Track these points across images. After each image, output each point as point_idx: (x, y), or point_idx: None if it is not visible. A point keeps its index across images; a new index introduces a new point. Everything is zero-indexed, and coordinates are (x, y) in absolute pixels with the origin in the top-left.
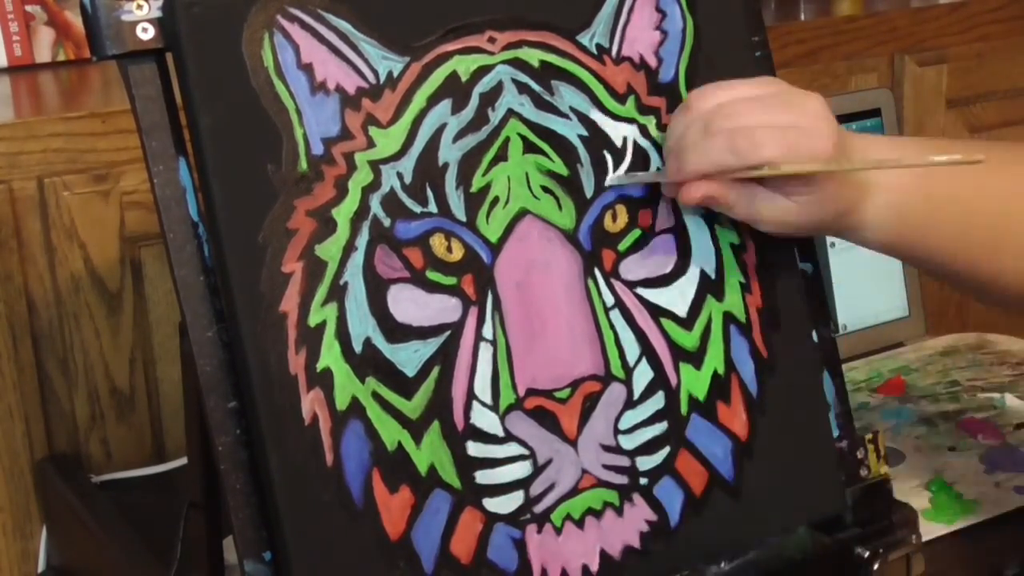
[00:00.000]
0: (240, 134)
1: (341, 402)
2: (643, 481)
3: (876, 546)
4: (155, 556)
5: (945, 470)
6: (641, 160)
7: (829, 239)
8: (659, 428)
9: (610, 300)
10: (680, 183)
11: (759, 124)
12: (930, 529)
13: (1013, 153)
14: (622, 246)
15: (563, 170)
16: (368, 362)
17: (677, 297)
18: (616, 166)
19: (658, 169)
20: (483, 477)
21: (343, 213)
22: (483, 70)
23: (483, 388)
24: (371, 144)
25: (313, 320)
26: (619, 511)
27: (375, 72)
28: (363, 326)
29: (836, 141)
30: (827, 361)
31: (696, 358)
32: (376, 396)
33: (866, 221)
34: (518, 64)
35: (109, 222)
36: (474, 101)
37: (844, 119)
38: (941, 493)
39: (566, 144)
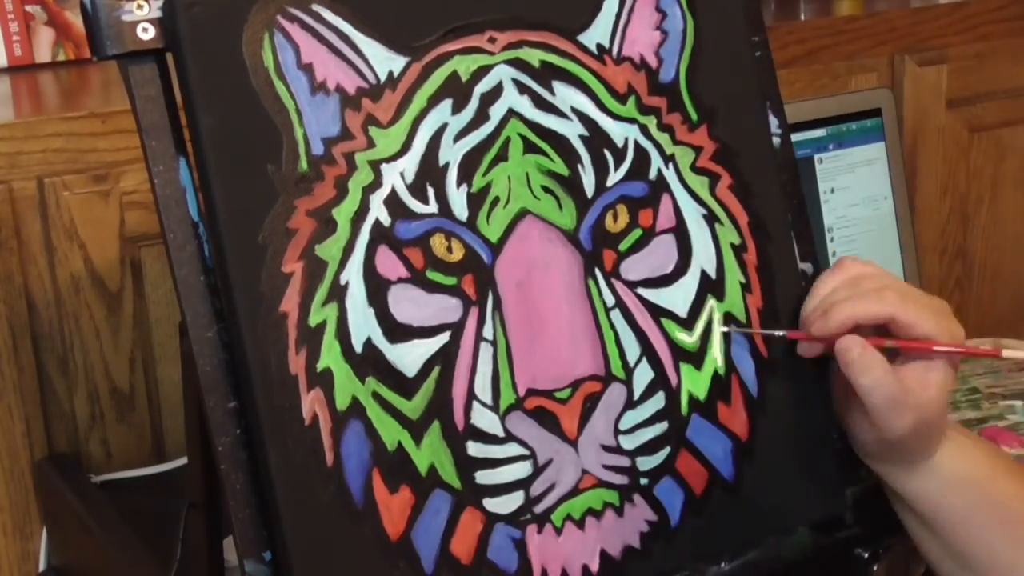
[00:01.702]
0: (240, 134)
1: (341, 402)
2: (643, 481)
3: (876, 546)
4: (155, 556)
5: None
6: (641, 160)
7: (829, 239)
8: (659, 428)
9: (610, 300)
10: (830, 334)
11: (911, 292)
12: None
13: None
14: (623, 246)
15: (564, 170)
16: (368, 362)
17: (677, 297)
18: (617, 166)
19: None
20: (483, 477)
21: (343, 213)
22: (483, 70)
23: (483, 388)
24: (371, 144)
25: (313, 320)
26: (619, 511)
27: (375, 72)
28: (363, 326)
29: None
30: (827, 361)
31: (696, 358)
32: (376, 396)
33: (934, 466)
34: (518, 64)
35: (109, 222)
36: (474, 101)
37: (844, 119)
38: None
39: (566, 144)
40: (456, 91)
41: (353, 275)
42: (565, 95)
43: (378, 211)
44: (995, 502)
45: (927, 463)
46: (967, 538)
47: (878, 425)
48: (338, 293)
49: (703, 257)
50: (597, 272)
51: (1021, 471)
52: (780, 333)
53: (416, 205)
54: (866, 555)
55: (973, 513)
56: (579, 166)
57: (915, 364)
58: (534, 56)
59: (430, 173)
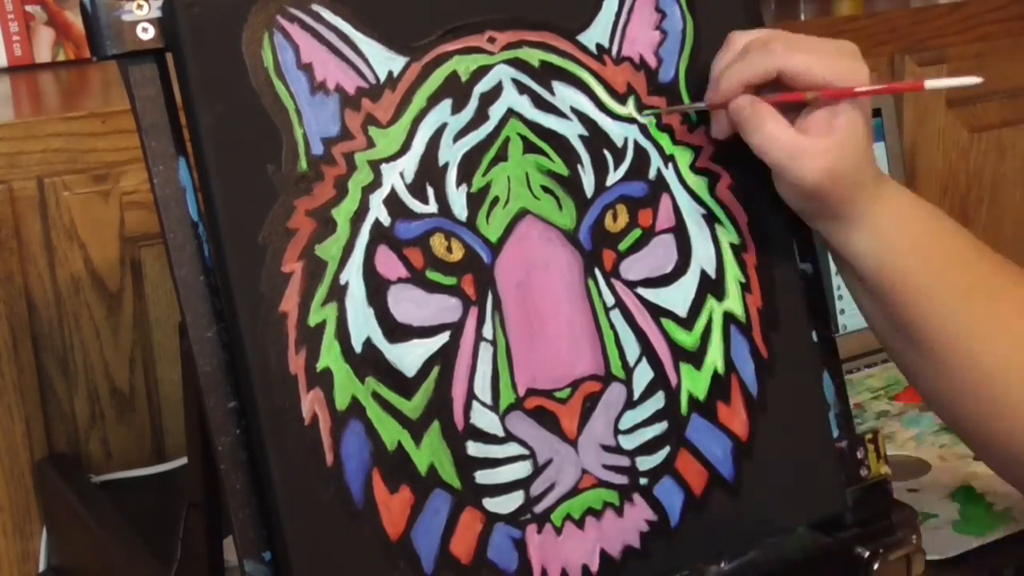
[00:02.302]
0: (240, 134)
1: (341, 402)
2: (643, 481)
3: (876, 546)
4: (155, 556)
5: (972, 480)
6: (641, 160)
7: None
8: (659, 428)
9: (610, 300)
10: (722, 104)
11: (800, 39)
12: (961, 542)
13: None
14: (622, 246)
15: (563, 170)
16: (368, 362)
17: (677, 297)
18: (616, 166)
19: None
20: (483, 477)
21: (343, 213)
22: (483, 70)
23: (483, 388)
24: (371, 144)
25: (313, 320)
26: (619, 511)
27: (375, 72)
28: (363, 326)
29: (868, 71)
30: (827, 361)
31: (696, 358)
32: (376, 396)
33: (875, 221)
34: (518, 64)
35: (109, 222)
36: (474, 101)
37: None
38: (970, 504)
39: (566, 144)
40: (456, 91)
41: (353, 275)
42: (565, 95)
43: (378, 211)
44: (937, 266)
45: (865, 221)
46: (912, 305)
47: (787, 179)
48: (338, 293)
49: (703, 257)
50: (597, 272)
51: (966, 235)
52: (688, 107)
53: (416, 205)
54: (866, 555)
55: (916, 277)
56: (579, 166)
57: (818, 112)
58: (534, 56)
59: (430, 173)
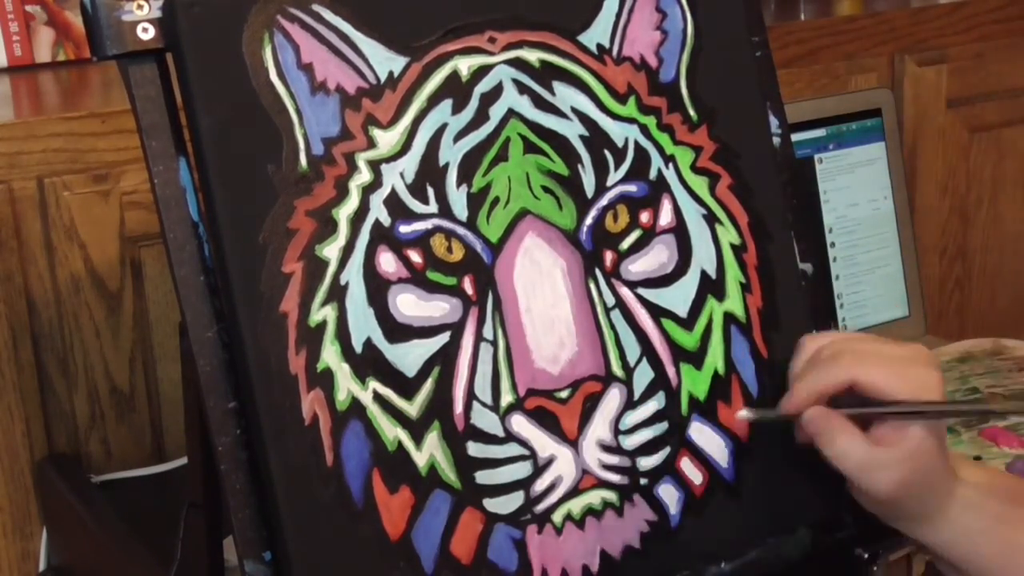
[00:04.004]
0: (240, 134)
1: (341, 402)
2: (643, 481)
3: (876, 546)
4: (155, 556)
5: None
6: (641, 160)
7: (829, 239)
8: (659, 428)
9: (611, 300)
10: (797, 415)
11: (869, 349)
12: None
13: None
14: (623, 246)
15: (564, 170)
16: (368, 362)
17: (678, 297)
18: (617, 166)
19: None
20: (483, 477)
21: (343, 213)
22: (483, 70)
23: (483, 388)
24: (371, 144)
25: (313, 320)
26: (619, 511)
27: (375, 72)
28: (363, 326)
29: (941, 379)
30: None
31: (696, 358)
32: (376, 396)
33: (946, 512)
34: (518, 64)
35: (109, 222)
36: (474, 101)
37: (844, 119)
38: None
39: (566, 144)
40: (456, 91)
41: (353, 275)
42: (565, 95)
43: (378, 211)
44: (1017, 545)
45: (938, 517)
46: None
47: (862, 489)
48: (338, 293)
49: (703, 257)
50: (597, 272)
51: None
52: (765, 417)
53: (416, 205)
54: (866, 555)
55: (1005, 560)
56: (579, 166)
57: (890, 422)
58: (534, 56)
59: (430, 173)
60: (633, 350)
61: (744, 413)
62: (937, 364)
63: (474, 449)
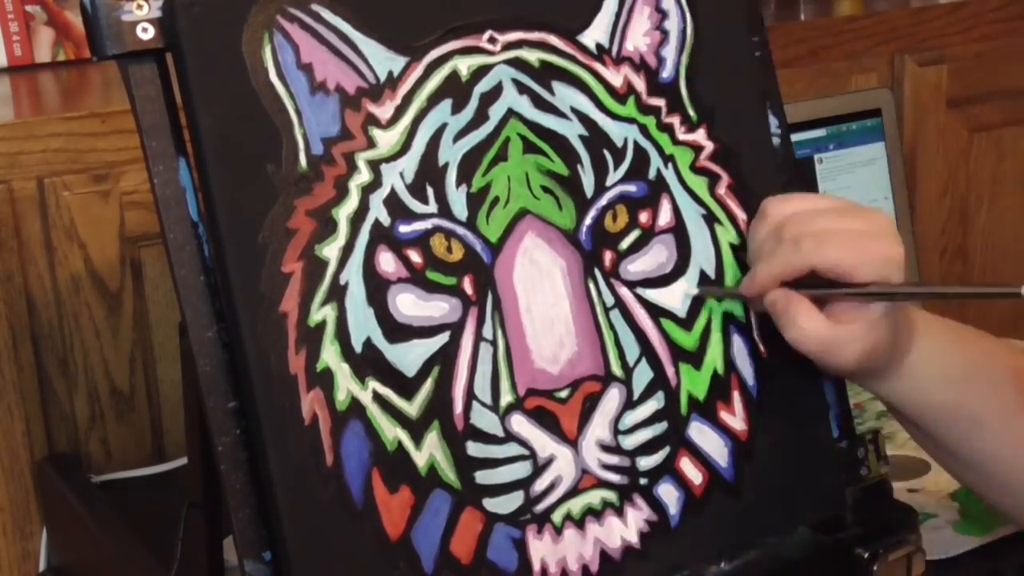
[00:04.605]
0: (240, 134)
1: (341, 402)
2: (643, 481)
3: (876, 546)
4: (155, 556)
5: None
6: (641, 160)
7: None
8: (659, 428)
9: (610, 300)
10: (758, 296)
11: (830, 228)
12: (961, 542)
13: None
14: (622, 246)
15: (563, 170)
16: (368, 362)
17: (677, 297)
18: (616, 166)
19: (737, 282)
20: (483, 477)
21: (343, 213)
22: (483, 70)
23: (483, 388)
24: (371, 144)
25: (313, 320)
26: (619, 511)
27: (375, 72)
28: (363, 326)
29: (903, 253)
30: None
31: (696, 358)
32: (376, 396)
33: (906, 370)
34: (518, 64)
35: (109, 222)
36: (474, 101)
37: (844, 119)
38: (970, 504)
39: (566, 144)
40: (456, 91)
41: (353, 275)
42: (565, 95)
43: (378, 211)
44: (977, 394)
45: (901, 369)
46: (957, 439)
47: (826, 365)
48: (338, 293)
49: (702, 257)
50: (597, 272)
51: (1005, 350)
52: (726, 292)
53: (416, 205)
54: (866, 555)
55: (957, 410)
56: (579, 166)
57: (845, 303)
58: (534, 56)
59: (430, 173)
60: (632, 350)
61: (696, 290)
62: (899, 237)
63: (474, 449)
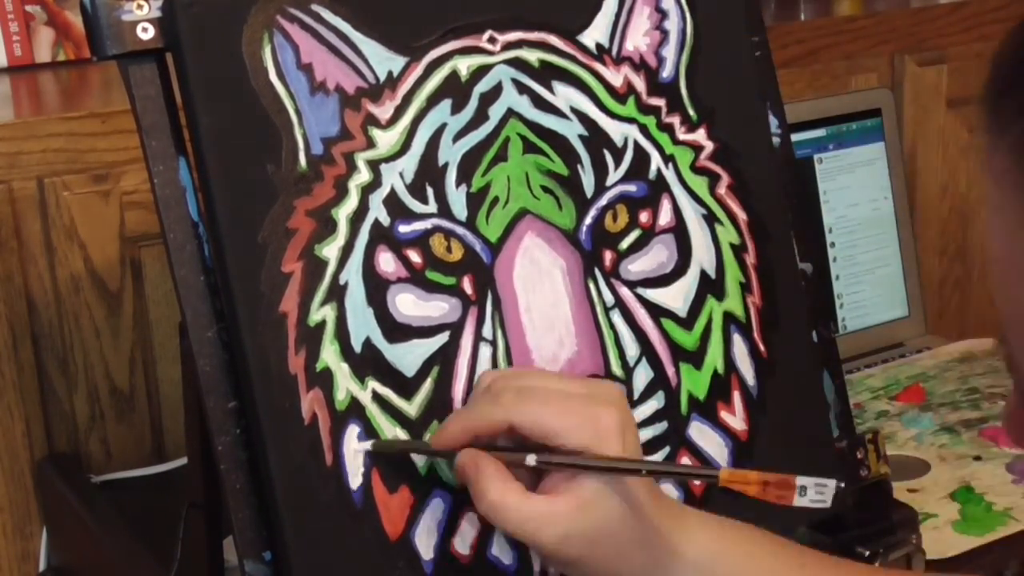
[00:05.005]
0: (240, 134)
1: (341, 402)
2: None
3: (876, 546)
4: (155, 556)
5: (972, 480)
6: (641, 160)
7: (829, 239)
8: (659, 428)
9: (610, 300)
10: (449, 453)
11: (537, 385)
12: (961, 542)
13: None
14: (622, 246)
15: (563, 170)
16: (368, 362)
17: (677, 297)
18: (616, 166)
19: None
20: None
21: (343, 213)
22: (483, 70)
23: None
24: (371, 144)
25: (313, 320)
26: None
27: (375, 72)
28: (363, 326)
29: (628, 439)
30: (827, 361)
31: (696, 358)
32: (376, 396)
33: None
34: (518, 64)
35: (109, 222)
36: (474, 101)
37: (844, 119)
38: (970, 504)
39: (566, 144)
40: (455, 91)
41: (352, 275)
42: (564, 95)
43: (377, 211)
44: None
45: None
46: None
47: (531, 545)
48: (337, 293)
49: (703, 257)
50: (597, 272)
51: (785, 548)
52: (415, 445)
53: (415, 205)
54: (866, 555)
55: None
56: (578, 166)
57: (558, 475)
58: (533, 56)
59: (429, 173)
60: (632, 349)
61: (367, 445)
62: (621, 404)
63: None
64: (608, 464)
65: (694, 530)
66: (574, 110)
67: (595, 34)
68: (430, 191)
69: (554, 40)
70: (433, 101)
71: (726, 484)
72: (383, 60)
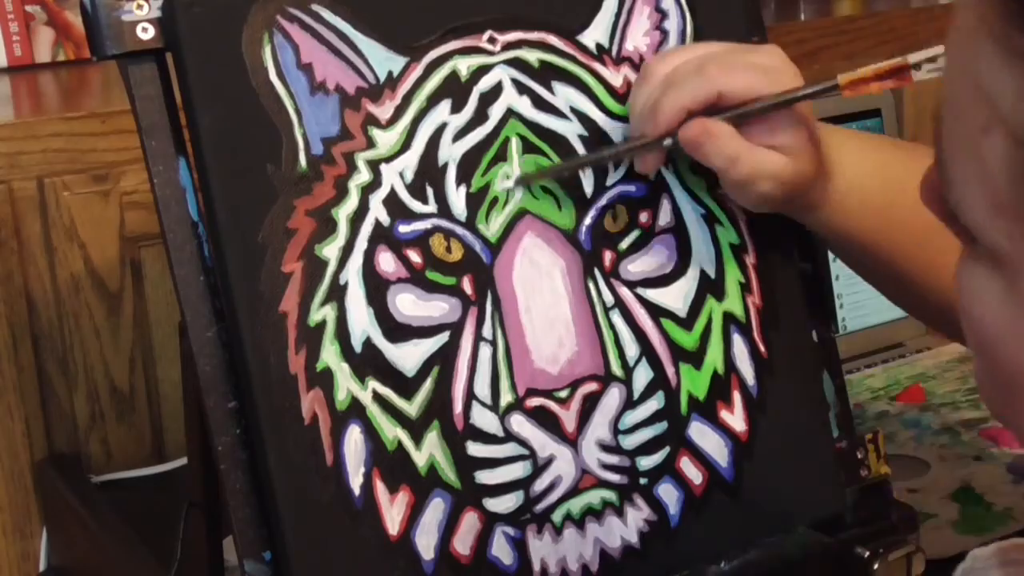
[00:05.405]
0: (240, 134)
1: (341, 402)
2: (643, 481)
3: (876, 546)
4: (155, 556)
5: (972, 480)
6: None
7: None
8: (659, 428)
9: (610, 300)
10: (663, 135)
11: (732, 58)
12: (961, 542)
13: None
14: (622, 246)
15: None
16: (368, 362)
17: (677, 297)
18: (616, 166)
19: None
20: (483, 477)
21: (343, 213)
22: (483, 70)
23: (483, 388)
24: (371, 144)
25: (313, 320)
26: (619, 511)
27: (375, 72)
28: (363, 326)
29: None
30: (827, 361)
31: (696, 358)
32: (376, 396)
33: (830, 199)
34: (518, 64)
35: (109, 222)
36: (474, 101)
37: (844, 119)
38: (970, 504)
39: (566, 144)
40: (455, 91)
41: (352, 275)
42: (564, 95)
43: (377, 211)
44: (895, 227)
45: (822, 197)
46: (882, 262)
47: (752, 192)
48: (337, 293)
49: (702, 257)
50: (596, 272)
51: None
52: (616, 150)
53: (415, 205)
54: (866, 555)
55: (878, 238)
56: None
57: (759, 126)
58: (533, 56)
59: (429, 173)
60: (632, 350)
61: (512, 180)
62: (796, 69)
63: (474, 449)
64: (787, 98)
65: (841, 144)
66: (574, 110)
67: (595, 34)
68: (430, 191)
69: (554, 40)
70: (433, 101)
71: (846, 87)
72: (383, 60)
